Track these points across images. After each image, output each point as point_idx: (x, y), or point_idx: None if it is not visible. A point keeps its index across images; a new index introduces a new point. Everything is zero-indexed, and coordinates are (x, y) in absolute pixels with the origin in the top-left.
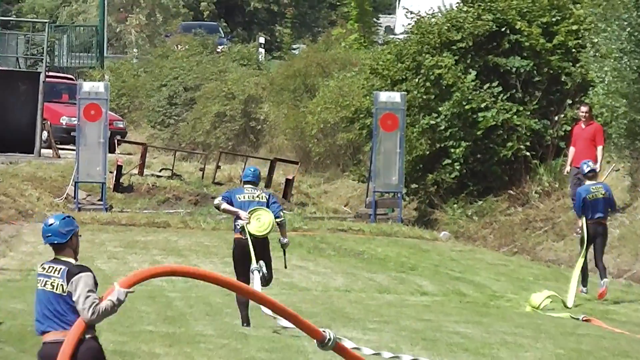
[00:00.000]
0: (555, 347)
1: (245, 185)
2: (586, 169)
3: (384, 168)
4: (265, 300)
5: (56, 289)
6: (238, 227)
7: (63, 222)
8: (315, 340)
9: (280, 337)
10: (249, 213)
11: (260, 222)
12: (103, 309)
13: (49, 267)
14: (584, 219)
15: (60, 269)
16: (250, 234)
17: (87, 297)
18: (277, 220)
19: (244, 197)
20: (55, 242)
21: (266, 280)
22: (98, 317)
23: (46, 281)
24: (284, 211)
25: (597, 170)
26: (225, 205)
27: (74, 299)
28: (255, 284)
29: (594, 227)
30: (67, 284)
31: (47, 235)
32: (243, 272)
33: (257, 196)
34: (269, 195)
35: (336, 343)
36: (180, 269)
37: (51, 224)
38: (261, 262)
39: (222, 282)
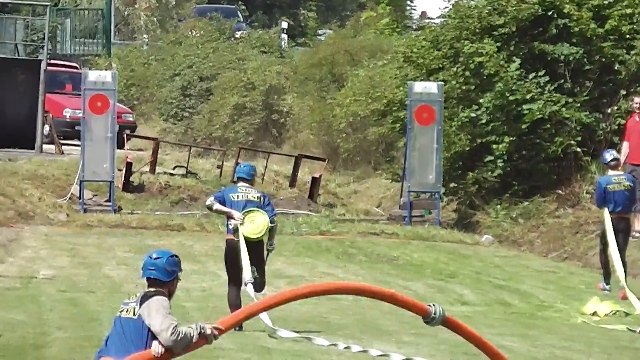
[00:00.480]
0: None
1: (239, 184)
2: (609, 158)
3: (419, 166)
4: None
5: (128, 313)
6: (230, 227)
7: (170, 260)
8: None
9: (304, 350)
10: (243, 214)
11: (255, 225)
12: (183, 334)
13: (133, 296)
14: (606, 210)
15: (140, 296)
16: (244, 237)
17: (166, 316)
18: (270, 225)
19: (237, 197)
20: (156, 278)
21: (258, 285)
22: (178, 342)
23: (125, 309)
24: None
25: (621, 160)
26: (217, 206)
27: (149, 321)
28: (250, 293)
29: (615, 221)
30: (139, 307)
31: (150, 269)
32: (234, 274)
33: (252, 196)
34: (264, 196)
35: (446, 317)
36: (299, 292)
37: (157, 258)
38: (252, 267)
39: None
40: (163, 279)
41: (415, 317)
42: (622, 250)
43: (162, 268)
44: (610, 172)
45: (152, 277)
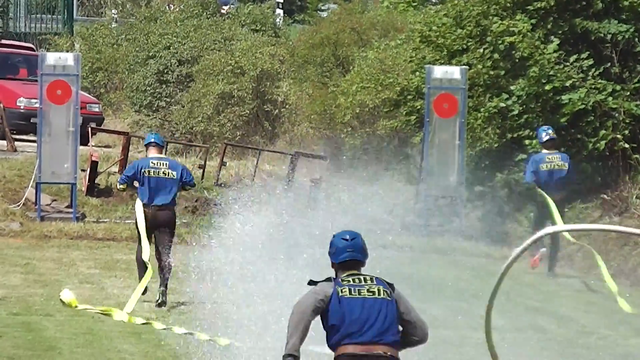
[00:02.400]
0: None
1: (150, 154)
2: (544, 137)
3: (439, 165)
4: None
5: (380, 294)
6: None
7: (360, 239)
8: None
9: None
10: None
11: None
12: None
13: (361, 278)
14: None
15: (373, 277)
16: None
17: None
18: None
19: (150, 173)
20: (360, 260)
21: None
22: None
23: (360, 289)
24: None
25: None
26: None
27: (408, 314)
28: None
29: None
30: (389, 290)
31: (349, 251)
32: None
33: (166, 171)
34: (179, 169)
35: None
36: None
37: (353, 239)
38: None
39: None
40: (363, 259)
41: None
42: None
43: (361, 247)
44: (544, 151)
45: (354, 258)
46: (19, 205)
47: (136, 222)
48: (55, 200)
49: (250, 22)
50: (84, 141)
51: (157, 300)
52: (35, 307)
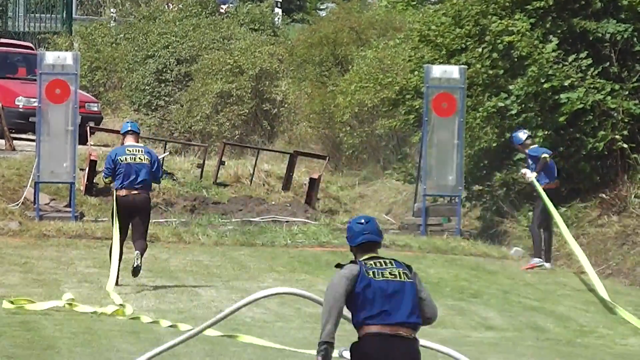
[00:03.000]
0: None
1: (127, 142)
2: (523, 137)
3: (437, 165)
4: None
5: (400, 277)
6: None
7: (376, 222)
8: None
9: None
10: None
11: None
12: None
13: (381, 262)
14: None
15: (392, 260)
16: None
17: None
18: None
19: (126, 159)
20: (376, 240)
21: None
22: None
23: (382, 272)
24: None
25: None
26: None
27: (422, 292)
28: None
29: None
30: (410, 273)
31: (365, 233)
32: (124, 229)
33: (141, 157)
34: (153, 157)
35: None
36: None
37: (368, 222)
38: (136, 252)
39: None
40: (379, 239)
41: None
42: None
43: (376, 229)
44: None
45: (371, 240)
46: (17, 205)
47: (112, 214)
48: (54, 199)
49: (249, 21)
50: (83, 140)
51: (133, 265)
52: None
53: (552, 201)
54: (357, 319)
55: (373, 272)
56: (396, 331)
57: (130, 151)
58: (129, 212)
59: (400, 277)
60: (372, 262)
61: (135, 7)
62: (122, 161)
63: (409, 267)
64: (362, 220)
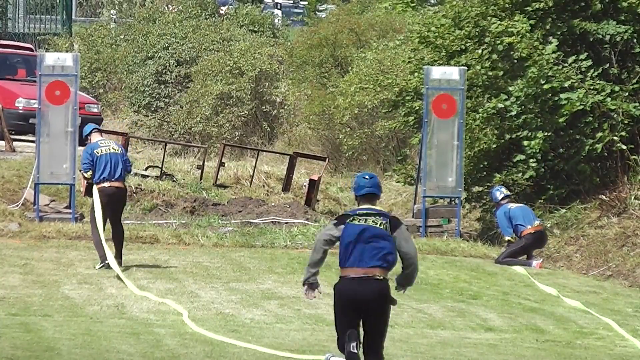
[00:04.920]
0: None
1: (96, 139)
2: (499, 196)
3: (437, 166)
4: None
5: (381, 226)
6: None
7: (377, 179)
8: None
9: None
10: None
11: None
12: None
13: (370, 219)
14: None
15: (381, 213)
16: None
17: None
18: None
19: (102, 151)
20: (376, 193)
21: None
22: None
23: (368, 220)
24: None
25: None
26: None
27: (405, 245)
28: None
29: None
30: (390, 226)
31: (368, 187)
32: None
33: (113, 148)
34: (121, 148)
35: None
36: None
37: (371, 178)
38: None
39: None
40: (379, 193)
41: (431, 346)
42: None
43: (378, 184)
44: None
45: (371, 192)
46: (17, 206)
47: (93, 209)
48: (53, 200)
49: (248, 22)
50: (83, 142)
51: (103, 266)
52: (34, 308)
53: (535, 244)
54: (340, 262)
55: (358, 220)
56: (368, 273)
57: (102, 144)
58: (112, 203)
59: (378, 225)
60: (363, 216)
61: (135, 8)
62: (98, 154)
63: (397, 221)
64: (367, 176)
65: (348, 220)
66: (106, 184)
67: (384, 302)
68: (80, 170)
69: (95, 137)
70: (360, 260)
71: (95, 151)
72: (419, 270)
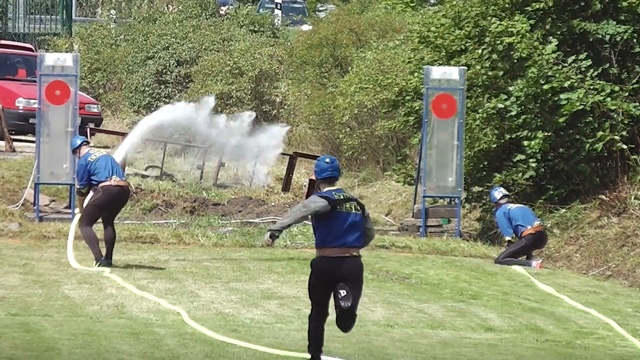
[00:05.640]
0: None
1: (87, 149)
2: (498, 196)
3: (437, 166)
4: None
5: (355, 210)
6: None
7: (337, 162)
8: None
9: None
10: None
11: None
12: None
13: (345, 195)
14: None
15: (352, 198)
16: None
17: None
18: None
19: (95, 156)
20: (336, 176)
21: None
22: None
23: (345, 206)
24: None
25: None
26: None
27: (369, 224)
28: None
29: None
30: (360, 208)
31: (329, 170)
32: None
33: (104, 152)
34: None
35: None
36: None
37: (332, 162)
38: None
39: None
40: (338, 175)
41: (431, 346)
42: None
43: (338, 167)
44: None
45: (334, 176)
46: (17, 206)
47: (92, 204)
48: (53, 200)
49: (248, 22)
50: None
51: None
52: (34, 308)
53: (535, 244)
54: (318, 241)
55: (340, 205)
56: (346, 252)
57: (94, 151)
58: (113, 203)
59: (355, 210)
60: (340, 195)
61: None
62: (93, 159)
63: (361, 205)
64: (327, 160)
65: (337, 208)
66: (112, 182)
67: (360, 274)
68: (78, 188)
69: (84, 150)
70: (342, 241)
71: (89, 159)
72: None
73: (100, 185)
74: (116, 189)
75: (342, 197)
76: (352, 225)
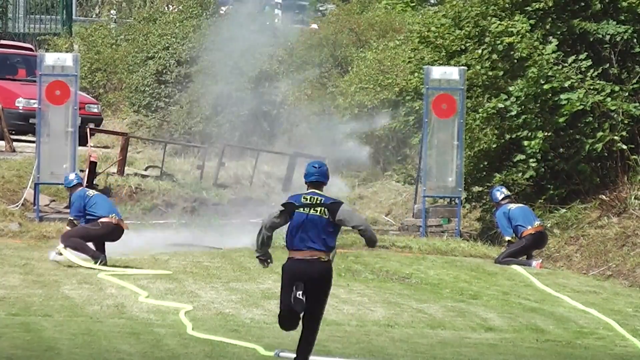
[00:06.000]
0: None
1: (79, 187)
2: (499, 196)
3: (437, 166)
4: None
5: (319, 212)
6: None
7: (325, 169)
8: None
9: None
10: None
11: None
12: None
13: (314, 199)
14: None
15: (321, 203)
16: None
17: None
18: None
19: (93, 192)
20: (321, 181)
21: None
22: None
23: (309, 210)
24: None
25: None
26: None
27: (351, 222)
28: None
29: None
30: (329, 210)
31: (315, 175)
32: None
33: (98, 191)
34: None
35: None
36: None
37: (320, 167)
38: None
39: None
40: (325, 181)
41: (431, 346)
42: None
43: (325, 173)
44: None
45: (318, 180)
46: (17, 206)
47: (87, 230)
48: (53, 200)
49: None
50: (83, 142)
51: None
52: (34, 308)
53: (535, 244)
54: (287, 244)
55: (303, 208)
56: (309, 255)
57: (89, 189)
58: (106, 236)
59: (318, 213)
60: (308, 197)
61: (135, 8)
62: (91, 195)
63: (336, 205)
64: (316, 165)
65: (296, 209)
66: (113, 220)
67: (325, 280)
68: (71, 219)
69: (78, 187)
70: (304, 244)
71: (87, 193)
72: (376, 238)
73: (100, 220)
74: (115, 227)
75: (310, 201)
76: (311, 227)
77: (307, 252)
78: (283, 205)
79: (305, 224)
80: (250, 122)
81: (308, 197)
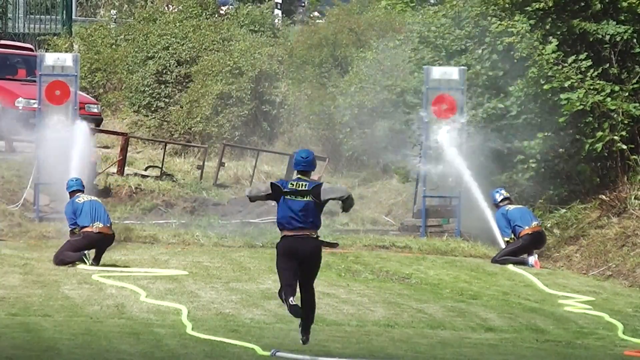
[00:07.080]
0: None
1: (76, 194)
2: (498, 198)
3: (437, 166)
4: None
5: (304, 198)
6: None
7: (313, 158)
8: None
9: None
10: None
11: None
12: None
13: (301, 184)
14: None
15: (306, 191)
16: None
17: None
18: None
19: (83, 199)
20: (308, 170)
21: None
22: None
23: (294, 197)
24: None
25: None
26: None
27: (331, 194)
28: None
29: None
30: (312, 193)
31: (303, 164)
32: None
33: (91, 198)
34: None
35: None
36: None
37: (307, 157)
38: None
39: None
40: (311, 169)
41: (431, 346)
42: None
43: (311, 163)
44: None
45: (306, 170)
46: (17, 206)
47: (70, 244)
48: (53, 201)
49: (249, 22)
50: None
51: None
52: (34, 308)
53: (533, 244)
54: (278, 225)
55: (290, 193)
56: (299, 232)
57: (81, 195)
58: (94, 247)
59: (304, 198)
60: (295, 183)
61: (135, 8)
62: (80, 201)
63: (317, 188)
64: (304, 155)
65: (284, 195)
66: (94, 229)
67: (316, 253)
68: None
69: (76, 194)
70: (296, 224)
71: (76, 200)
72: (353, 203)
73: (82, 229)
74: (97, 235)
75: (297, 187)
76: (299, 211)
77: (299, 231)
78: (272, 186)
79: (294, 209)
80: (250, 122)
81: (294, 183)
